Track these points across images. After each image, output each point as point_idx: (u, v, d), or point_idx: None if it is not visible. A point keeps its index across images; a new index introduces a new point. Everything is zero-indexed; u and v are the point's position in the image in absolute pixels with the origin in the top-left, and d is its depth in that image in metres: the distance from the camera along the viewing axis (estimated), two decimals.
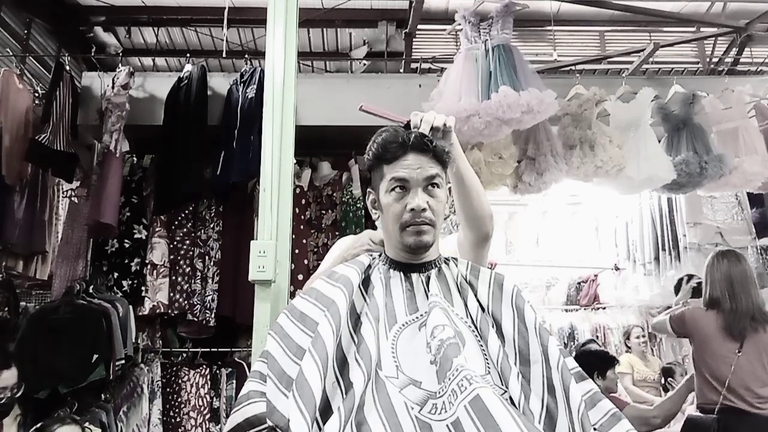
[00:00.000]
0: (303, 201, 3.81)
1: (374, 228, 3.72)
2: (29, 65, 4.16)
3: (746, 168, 3.33)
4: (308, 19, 3.89)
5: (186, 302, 3.61)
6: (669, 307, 3.37)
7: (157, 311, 3.57)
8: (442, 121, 1.26)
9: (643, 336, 4.66)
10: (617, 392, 3.41)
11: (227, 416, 1.16)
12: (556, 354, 1.14)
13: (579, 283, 5.85)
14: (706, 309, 2.77)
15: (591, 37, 4.70)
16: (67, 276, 3.56)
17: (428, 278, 1.25)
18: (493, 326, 1.18)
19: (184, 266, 3.67)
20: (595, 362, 3.07)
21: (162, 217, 3.69)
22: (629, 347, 4.62)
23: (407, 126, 1.27)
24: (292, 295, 2.94)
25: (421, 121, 1.25)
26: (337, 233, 3.80)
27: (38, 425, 2.52)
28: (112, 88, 3.51)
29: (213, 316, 3.55)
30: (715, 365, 2.62)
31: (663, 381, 4.27)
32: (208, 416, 3.50)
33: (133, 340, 3.38)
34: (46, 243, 3.60)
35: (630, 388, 4.25)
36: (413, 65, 4.24)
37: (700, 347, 2.71)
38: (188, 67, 3.70)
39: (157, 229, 3.67)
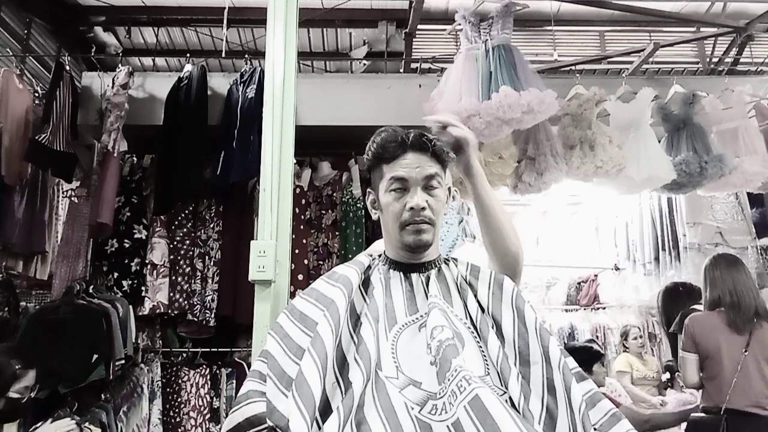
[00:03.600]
0: (303, 201, 3.81)
1: (375, 228, 3.72)
2: (29, 65, 4.15)
3: (746, 168, 3.33)
4: (308, 19, 3.88)
5: (186, 302, 3.61)
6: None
7: (157, 311, 3.57)
8: (460, 133, 1.24)
9: (641, 336, 4.67)
10: (605, 387, 3.45)
11: (227, 416, 1.16)
12: (557, 354, 1.13)
13: (579, 283, 5.85)
14: (707, 311, 2.75)
15: (591, 37, 4.69)
16: (67, 276, 3.56)
17: (428, 278, 1.25)
18: (492, 327, 1.18)
19: (184, 266, 3.67)
20: (581, 358, 3.08)
21: (162, 217, 3.69)
22: (627, 347, 4.63)
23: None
24: (292, 295, 2.94)
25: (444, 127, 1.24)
26: (337, 233, 3.80)
27: (37, 425, 2.52)
28: (112, 87, 3.52)
29: (213, 316, 3.55)
30: (721, 365, 2.59)
31: (669, 377, 4.27)
32: (208, 416, 3.50)
33: (133, 340, 3.37)
34: (46, 243, 3.60)
35: (629, 387, 4.25)
36: (413, 65, 4.24)
37: (706, 349, 2.66)
38: (188, 67, 3.70)
39: (157, 229, 3.67)
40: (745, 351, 2.56)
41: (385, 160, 1.23)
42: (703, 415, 2.68)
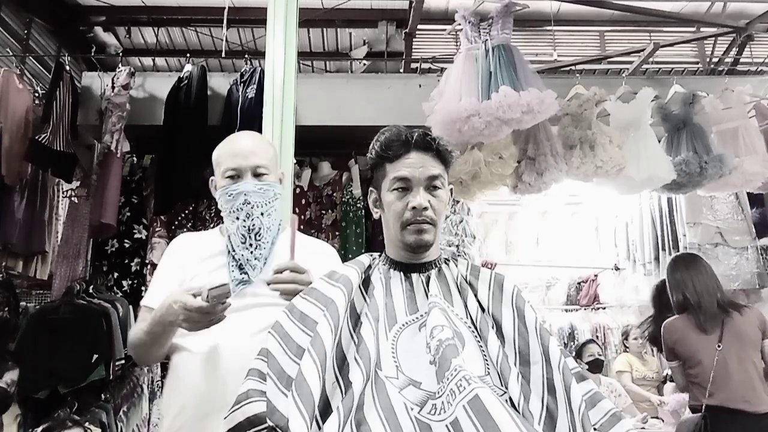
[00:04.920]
0: (303, 201, 3.81)
1: (375, 228, 3.71)
2: (29, 65, 4.15)
3: (746, 168, 3.33)
4: (308, 19, 3.88)
5: None
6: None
7: None
8: None
9: (642, 336, 4.68)
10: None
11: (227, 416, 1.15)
12: (557, 354, 1.13)
13: (579, 283, 5.86)
14: (677, 314, 2.79)
15: (591, 37, 4.69)
16: (67, 276, 3.56)
17: (428, 278, 1.25)
18: (493, 327, 1.18)
19: None
20: None
21: (162, 217, 3.69)
22: (627, 347, 4.64)
23: None
24: None
25: None
26: (337, 233, 3.80)
27: (42, 427, 2.52)
28: (113, 88, 3.52)
29: None
30: (699, 364, 2.64)
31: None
32: None
33: None
34: (46, 243, 3.60)
35: (629, 386, 4.27)
36: (413, 65, 4.24)
37: (684, 353, 2.72)
38: (188, 67, 3.70)
39: (157, 229, 3.67)
40: (719, 346, 2.58)
41: (388, 159, 1.23)
42: (688, 414, 2.70)
